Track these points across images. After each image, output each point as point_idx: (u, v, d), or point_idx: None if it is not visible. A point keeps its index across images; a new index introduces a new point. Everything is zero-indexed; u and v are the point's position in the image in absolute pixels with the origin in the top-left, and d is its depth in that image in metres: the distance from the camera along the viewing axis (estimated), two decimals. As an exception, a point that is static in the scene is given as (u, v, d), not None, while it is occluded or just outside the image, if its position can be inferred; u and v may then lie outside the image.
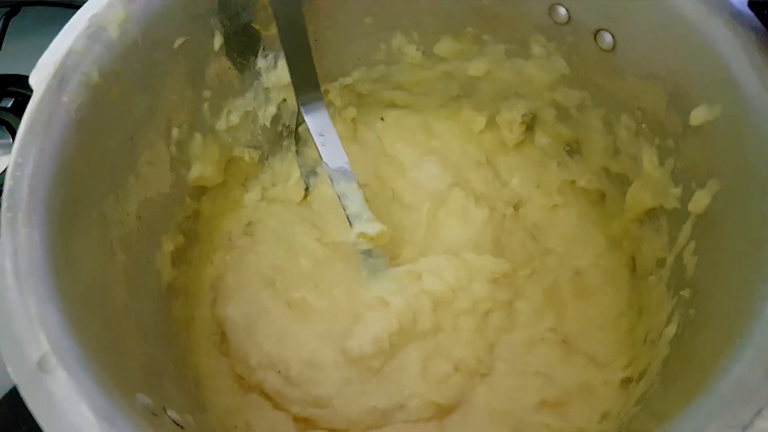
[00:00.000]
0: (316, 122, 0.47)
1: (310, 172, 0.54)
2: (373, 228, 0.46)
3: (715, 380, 0.27)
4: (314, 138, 0.48)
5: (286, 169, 0.57)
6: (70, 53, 0.35)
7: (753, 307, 0.28)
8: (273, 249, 0.51)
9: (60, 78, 0.34)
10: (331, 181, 0.47)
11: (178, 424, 0.33)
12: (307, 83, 0.45)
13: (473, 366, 0.46)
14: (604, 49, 0.43)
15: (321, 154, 0.47)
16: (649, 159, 0.43)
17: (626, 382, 0.44)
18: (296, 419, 0.45)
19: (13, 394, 0.30)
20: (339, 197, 0.46)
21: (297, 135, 0.53)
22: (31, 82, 0.34)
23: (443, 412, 0.45)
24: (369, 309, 0.47)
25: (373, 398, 0.45)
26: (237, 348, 0.46)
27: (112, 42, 0.37)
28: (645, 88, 0.42)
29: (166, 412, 0.32)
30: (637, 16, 0.39)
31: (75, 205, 0.34)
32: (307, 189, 0.54)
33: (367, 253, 0.48)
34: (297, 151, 0.53)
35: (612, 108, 0.46)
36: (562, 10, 0.44)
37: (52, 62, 0.34)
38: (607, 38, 0.42)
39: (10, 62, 0.69)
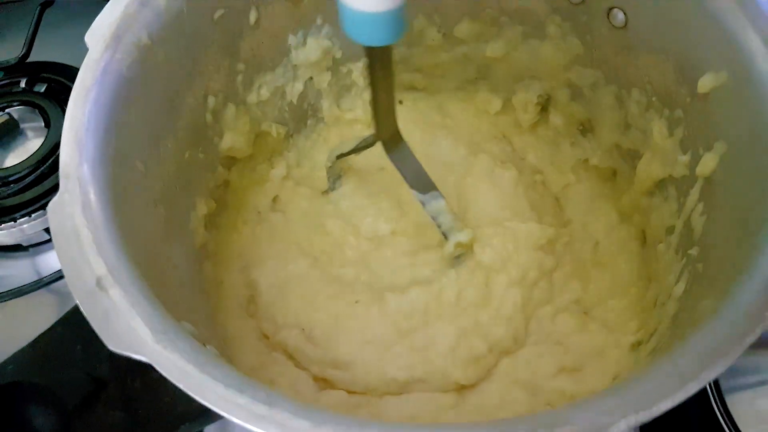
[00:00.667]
0: (398, 156, 0.49)
1: (336, 179, 0.56)
2: (465, 236, 0.48)
3: (724, 306, 0.29)
4: (399, 170, 0.49)
5: (309, 149, 0.59)
6: (123, 16, 0.38)
7: (758, 243, 0.31)
8: (307, 229, 0.54)
9: (115, 38, 0.37)
10: (423, 205, 0.49)
11: (216, 357, 0.35)
12: (388, 121, 0.46)
13: (508, 345, 0.47)
14: (616, 27, 0.45)
15: (409, 184, 0.49)
16: (659, 130, 0.46)
17: (636, 345, 0.46)
18: (316, 378, 0.47)
19: (66, 318, 0.33)
20: (432, 217, 0.49)
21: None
22: (87, 40, 0.37)
23: (464, 388, 0.47)
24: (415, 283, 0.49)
25: (393, 368, 0.46)
26: (266, 307, 0.49)
27: (161, 9, 0.40)
28: (655, 62, 0.44)
29: (206, 346, 0.35)
30: (648, -8, 0.42)
31: (122, 153, 0.36)
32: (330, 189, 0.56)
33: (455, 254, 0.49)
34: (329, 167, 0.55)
35: (623, 84, 0.48)
36: (576, -10, 0.46)
37: (107, 23, 0.37)
38: (620, 16, 0.45)
39: (44, 51, 0.72)
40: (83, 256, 0.30)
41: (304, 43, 0.52)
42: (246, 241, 0.54)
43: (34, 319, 0.51)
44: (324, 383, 0.48)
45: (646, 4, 0.43)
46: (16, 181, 0.63)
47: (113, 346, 0.28)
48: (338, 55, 0.54)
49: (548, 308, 0.48)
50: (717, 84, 0.38)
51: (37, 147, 0.65)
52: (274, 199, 0.56)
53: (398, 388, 0.46)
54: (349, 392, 0.47)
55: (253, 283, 0.51)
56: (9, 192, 0.61)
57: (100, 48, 0.36)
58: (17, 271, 0.63)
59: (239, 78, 0.49)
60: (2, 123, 0.68)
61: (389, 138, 0.47)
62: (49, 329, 0.32)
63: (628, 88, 0.48)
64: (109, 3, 0.39)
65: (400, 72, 0.58)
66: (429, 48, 0.55)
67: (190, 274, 0.44)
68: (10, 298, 0.57)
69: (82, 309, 0.29)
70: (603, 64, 0.49)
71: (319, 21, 0.51)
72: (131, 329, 0.28)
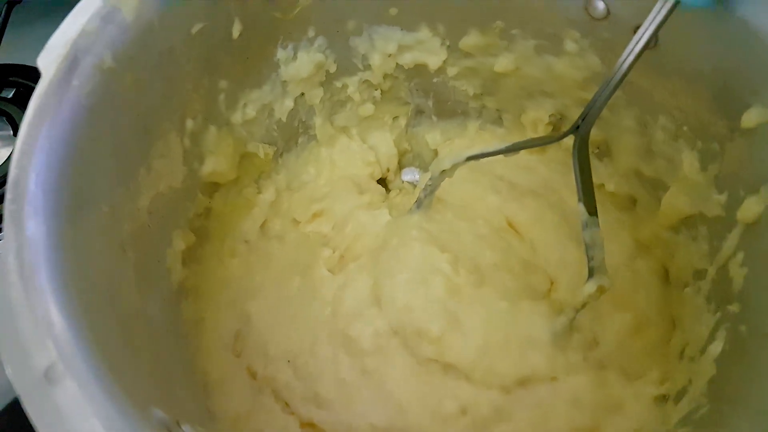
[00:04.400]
0: (582, 162, 0.42)
1: (429, 194, 0.49)
2: (608, 282, 0.42)
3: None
4: (577, 177, 0.42)
5: (300, 169, 0.55)
6: (82, 34, 0.32)
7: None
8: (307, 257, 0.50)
9: (71, 60, 0.31)
10: (583, 228, 0.42)
11: (192, 438, 0.30)
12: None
13: (485, 413, 0.42)
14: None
15: (581, 198, 0.42)
16: (689, 163, 0.41)
17: (660, 399, 0.42)
18: (303, 425, 0.44)
19: (14, 406, 0.27)
20: (586, 245, 0.42)
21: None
22: (39, 63, 0.31)
23: None
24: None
25: (370, 413, 0.42)
26: (257, 339, 0.45)
27: (127, 24, 0.34)
28: (687, 87, 0.39)
29: (180, 426, 0.30)
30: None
31: (84, 198, 0.31)
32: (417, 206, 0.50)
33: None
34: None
35: (648, 108, 0.44)
36: (600, 5, 0.41)
37: (63, 43, 0.32)
38: (650, 34, 0.40)
39: (13, 52, 0.67)
40: (29, 335, 0.25)
41: (295, 57, 0.46)
42: (234, 272, 0.49)
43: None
44: (312, 430, 0.44)
45: (680, 22, 0.38)
46: (-23, 197, 0.57)
47: (63, 454, 0.23)
48: (332, 69, 0.49)
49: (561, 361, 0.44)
50: (765, 120, 0.34)
51: (5, 158, 0.60)
52: (263, 226, 0.51)
53: None
54: None
55: (245, 316, 0.47)
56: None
57: (54, 74, 0.31)
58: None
59: (221, 97, 0.44)
60: (-36, 132, 0.62)
61: (581, 139, 0.41)
62: (-8, 418, 0.27)
63: (653, 113, 0.43)
64: (68, 16, 0.33)
65: (399, 86, 0.53)
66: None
67: (164, 319, 0.40)
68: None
69: (25, 407, 0.24)
70: (624, 85, 0.44)
71: (311, 33, 0.46)
72: (87, 431, 0.24)
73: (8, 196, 0.28)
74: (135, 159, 0.37)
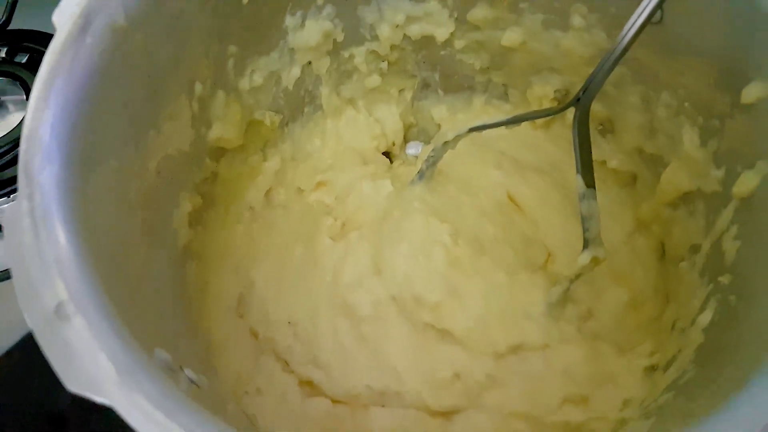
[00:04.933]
0: (582, 134, 0.43)
1: (431, 165, 0.50)
2: (603, 253, 0.43)
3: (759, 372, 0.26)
4: (576, 149, 0.43)
5: (306, 139, 0.55)
6: (95, -7, 0.33)
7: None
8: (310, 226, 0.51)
9: (85, 18, 0.32)
10: (580, 199, 0.43)
11: (194, 384, 0.32)
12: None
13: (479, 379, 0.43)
14: (650, 22, 0.41)
15: (579, 170, 0.43)
16: (690, 139, 0.41)
17: (650, 369, 0.43)
18: (301, 383, 0.45)
19: (26, 343, 0.29)
20: (583, 217, 0.43)
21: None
22: (54, 20, 0.32)
23: (452, 413, 0.43)
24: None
25: (366, 376, 0.44)
26: (260, 303, 0.46)
27: (140, -15, 0.35)
28: (692, 64, 0.40)
29: (183, 370, 0.31)
30: (691, -14, 0.37)
31: (95, 153, 0.32)
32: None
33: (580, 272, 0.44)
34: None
35: (652, 85, 0.44)
36: (607, -21, 0.42)
37: (77, 1, 0.33)
38: (655, 10, 0.40)
39: (26, 18, 0.67)
40: (42, 277, 0.26)
41: (303, 25, 0.47)
42: (239, 238, 0.50)
43: (6, 311, 0.47)
44: (310, 388, 0.45)
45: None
46: (-5, 156, 0.59)
47: (72, 385, 0.24)
48: (340, 38, 0.50)
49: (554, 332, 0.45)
50: (764, 95, 0.34)
51: (18, 121, 0.61)
52: (267, 194, 0.52)
53: (376, 397, 0.44)
54: (334, 401, 0.44)
55: (249, 280, 0.48)
56: (-14, 168, 0.58)
57: (68, 31, 0.32)
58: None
59: (230, 62, 0.45)
60: (-20, 95, 0.64)
61: (582, 111, 0.41)
62: (5, 355, 0.28)
63: (657, 89, 0.44)
64: (82, -24, 0.34)
65: (406, 57, 0.53)
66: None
67: (170, 279, 0.41)
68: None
69: (38, 341, 0.25)
70: (631, 61, 0.45)
71: (320, 1, 0.46)
72: (93, 366, 0.25)
73: (23, 146, 0.29)
74: (145, 119, 0.38)
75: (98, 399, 0.24)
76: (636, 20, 0.36)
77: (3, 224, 0.27)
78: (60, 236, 0.28)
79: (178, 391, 0.26)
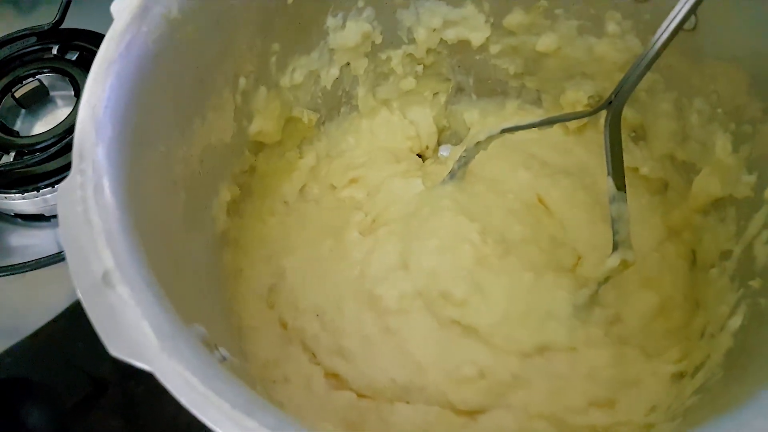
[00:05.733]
0: (613, 136, 0.43)
1: (462, 165, 0.51)
2: (632, 257, 0.43)
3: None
4: (607, 151, 0.43)
5: (341, 138, 0.57)
6: (152, -14, 0.35)
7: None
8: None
9: (142, 8, 0.34)
10: (611, 202, 0.44)
11: (228, 361, 0.33)
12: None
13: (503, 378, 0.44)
14: (684, 29, 0.41)
15: (610, 172, 0.44)
16: (722, 146, 0.42)
17: (678, 376, 0.42)
18: (327, 375, 0.46)
19: (72, 311, 0.30)
20: (612, 219, 0.43)
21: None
22: (113, 9, 0.34)
23: (476, 412, 0.44)
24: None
25: (391, 369, 0.44)
26: (289, 293, 0.47)
27: (193, -20, 0.37)
28: (725, 70, 0.40)
29: (218, 348, 0.32)
30: (726, -8, 0.38)
31: (144, 135, 0.34)
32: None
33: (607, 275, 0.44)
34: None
35: (685, 91, 0.44)
36: (643, -14, 0.42)
37: (135, -7, 0.35)
38: (690, 17, 0.41)
39: (78, 18, 0.70)
40: (91, 246, 0.28)
41: (344, 26, 0.49)
42: (273, 229, 0.52)
43: (51, 293, 0.50)
44: (335, 380, 0.46)
45: (722, 5, 0.39)
46: (42, 150, 0.62)
47: (114, 350, 0.25)
48: (378, 40, 0.51)
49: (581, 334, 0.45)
50: (799, 99, 0.34)
51: (65, 116, 0.64)
52: (302, 189, 0.54)
53: (400, 392, 0.44)
54: (359, 395, 0.45)
55: (280, 271, 0.49)
56: (34, 160, 0.60)
57: (126, 19, 0.34)
58: (38, 240, 0.62)
59: (273, 59, 0.46)
60: (32, 89, 0.67)
61: (614, 114, 0.42)
62: (52, 321, 0.30)
63: (689, 96, 0.44)
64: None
65: (441, 61, 0.55)
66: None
67: (207, 262, 0.42)
68: (29, 270, 0.55)
69: (84, 305, 0.26)
70: (664, 68, 0.45)
71: (361, 3, 0.48)
72: (136, 332, 0.26)
73: (79, 125, 0.31)
74: (191, 108, 0.40)
75: (139, 364, 0.25)
76: (669, 24, 0.37)
77: (58, 196, 0.29)
78: (110, 209, 0.29)
79: (214, 361, 0.27)
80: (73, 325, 0.29)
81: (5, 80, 0.66)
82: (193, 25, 0.37)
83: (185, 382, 0.25)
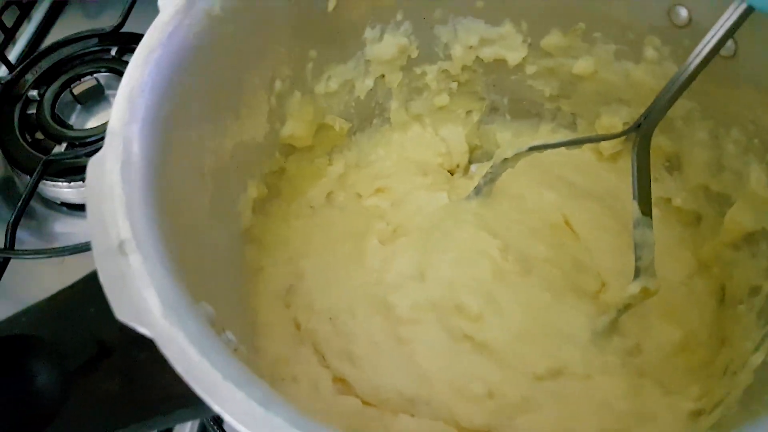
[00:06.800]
0: (641, 160, 0.43)
1: (489, 182, 0.51)
2: (654, 284, 0.42)
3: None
4: (634, 175, 0.44)
5: (371, 150, 0.58)
6: (197, -17, 0.37)
7: None
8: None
9: (186, 3, 0.36)
10: (635, 227, 0.43)
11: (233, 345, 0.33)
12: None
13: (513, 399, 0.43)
14: (723, 56, 0.41)
15: (636, 196, 0.44)
16: (757, 177, 0.40)
17: (696, 414, 0.40)
18: (335, 380, 0.46)
19: (87, 279, 0.32)
20: (636, 244, 0.43)
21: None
22: (160, 2, 0.36)
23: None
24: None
25: (398, 379, 0.44)
26: (306, 293, 0.48)
27: (236, -19, 0.39)
28: (763, 99, 0.39)
29: (225, 332, 0.33)
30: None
31: (177, 121, 0.35)
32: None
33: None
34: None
35: (722, 120, 0.43)
36: (683, 12, 0.42)
37: (181, -11, 0.37)
38: (729, 44, 0.40)
39: (139, 22, 0.74)
40: (111, 216, 0.29)
41: (381, 38, 0.50)
42: (297, 232, 0.52)
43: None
44: (343, 385, 0.46)
45: (762, 33, 0.38)
46: (91, 143, 0.65)
47: (120, 314, 0.26)
48: (414, 54, 0.52)
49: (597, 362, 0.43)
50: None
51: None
52: (328, 195, 0.55)
53: (405, 404, 0.44)
54: (364, 403, 0.45)
55: (300, 272, 0.50)
56: (83, 153, 0.63)
57: (171, 11, 0.36)
58: (80, 229, 0.65)
59: (309, 65, 0.48)
60: (89, 87, 0.71)
61: (643, 137, 0.42)
62: (71, 286, 0.32)
63: (726, 125, 0.43)
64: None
65: (476, 79, 0.55)
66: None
67: (228, 255, 0.43)
68: (68, 254, 0.58)
69: (98, 271, 0.28)
70: (701, 96, 0.44)
71: (399, 17, 0.49)
72: (141, 298, 0.27)
73: (116, 105, 0.33)
74: (225, 103, 0.41)
75: (141, 329, 0.26)
76: (703, 48, 0.36)
77: (88, 166, 0.31)
78: (135, 184, 0.30)
79: (214, 334, 0.28)
80: (89, 290, 0.30)
81: (65, 77, 0.70)
82: (233, 25, 0.39)
83: (182, 350, 0.26)
